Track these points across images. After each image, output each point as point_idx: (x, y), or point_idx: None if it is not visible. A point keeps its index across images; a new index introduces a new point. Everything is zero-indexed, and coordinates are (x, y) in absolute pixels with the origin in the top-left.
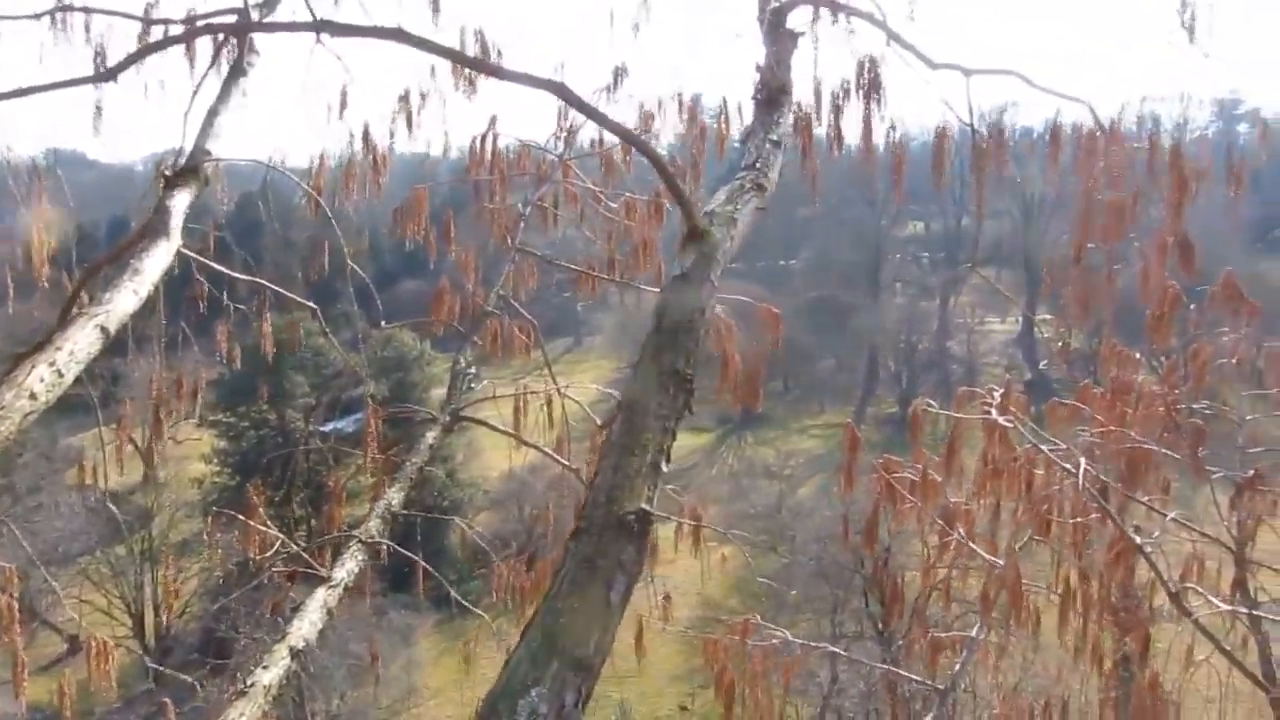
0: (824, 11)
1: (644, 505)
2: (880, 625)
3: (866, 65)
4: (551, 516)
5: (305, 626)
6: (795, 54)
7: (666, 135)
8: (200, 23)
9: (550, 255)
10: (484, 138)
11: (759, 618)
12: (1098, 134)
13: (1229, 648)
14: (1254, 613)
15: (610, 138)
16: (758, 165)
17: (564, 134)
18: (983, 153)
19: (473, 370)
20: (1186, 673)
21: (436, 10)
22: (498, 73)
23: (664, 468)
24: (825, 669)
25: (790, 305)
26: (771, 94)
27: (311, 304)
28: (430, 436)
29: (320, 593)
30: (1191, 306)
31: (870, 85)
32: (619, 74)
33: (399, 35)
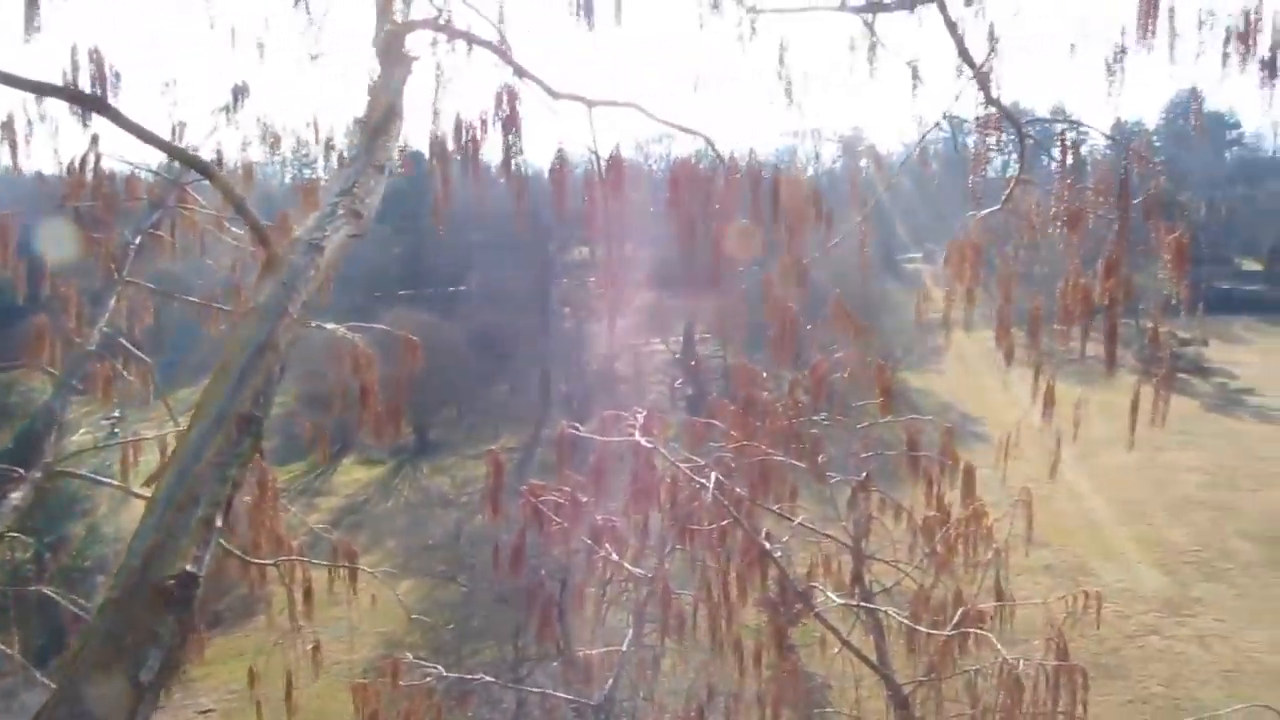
0: (443, 37)
1: (189, 568)
2: (560, 646)
3: (504, 96)
4: None
5: None
6: (410, 79)
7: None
8: None
9: (161, 287)
10: (84, 159)
11: (409, 656)
12: (717, 165)
13: (864, 634)
14: (865, 605)
15: (233, 160)
16: (354, 191)
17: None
18: (602, 180)
19: (116, 414)
20: (824, 661)
21: (32, 26)
22: (40, 89)
23: (219, 522)
24: (510, 695)
25: (462, 331)
26: (379, 118)
27: None
28: (16, 497)
29: None
30: (809, 326)
31: (509, 115)
32: (239, 93)
33: None
